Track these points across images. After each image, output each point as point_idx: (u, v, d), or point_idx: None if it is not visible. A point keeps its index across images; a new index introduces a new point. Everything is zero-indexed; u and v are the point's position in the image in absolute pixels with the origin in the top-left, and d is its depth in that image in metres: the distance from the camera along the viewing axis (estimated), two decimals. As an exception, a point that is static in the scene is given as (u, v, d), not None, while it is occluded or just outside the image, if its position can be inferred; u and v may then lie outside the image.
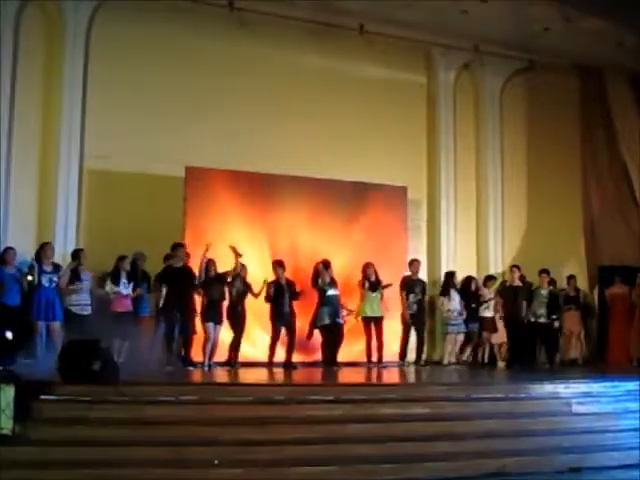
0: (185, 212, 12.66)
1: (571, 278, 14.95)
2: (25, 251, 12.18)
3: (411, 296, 13.34)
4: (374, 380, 11.43)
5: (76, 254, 11.87)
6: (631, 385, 10.07)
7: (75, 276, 11.64)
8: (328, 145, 14.25)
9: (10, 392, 7.48)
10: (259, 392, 9.00)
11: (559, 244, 15.69)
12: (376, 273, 13.16)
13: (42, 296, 11.34)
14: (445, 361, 13.67)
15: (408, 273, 13.75)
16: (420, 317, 13.52)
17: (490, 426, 8.88)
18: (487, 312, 13.86)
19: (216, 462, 7.37)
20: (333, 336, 12.60)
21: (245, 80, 14.00)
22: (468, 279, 14.14)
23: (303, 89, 14.43)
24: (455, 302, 13.69)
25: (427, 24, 14.72)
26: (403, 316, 13.38)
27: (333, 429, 8.31)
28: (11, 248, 11.49)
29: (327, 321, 12.53)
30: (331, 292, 12.65)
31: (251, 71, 14.03)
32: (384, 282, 13.18)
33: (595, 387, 10.27)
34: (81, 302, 11.61)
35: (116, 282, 11.75)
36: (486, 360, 13.97)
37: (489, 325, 13.85)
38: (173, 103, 13.51)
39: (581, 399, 9.68)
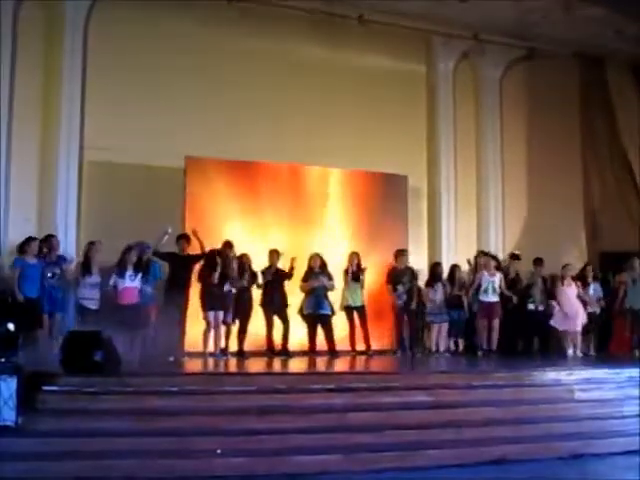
0: (185, 202, 12.67)
1: (587, 266, 14.87)
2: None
3: (399, 286, 13.28)
4: (375, 369, 11.43)
5: (89, 246, 11.75)
6: (633, 372, 10.09)
7: (86, 269, 11.58)
8: (328, 134, 14.21)
9: (13, 384, 7.49)
10: (261, 381, 9.04)
11: (560, 231, 15.69)
12: (359, 263, 13.12)
13: (47, 288, 11.30)
14: (433, 349, 13.54)
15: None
16: (410, 306, 13.43)
17: (492, 413, 8.89)
18: (488, 297, 13.32)
19: (219, 452, 7.39)
20: (322, 326, 12.69)
21: (245, 70, 13.98)
22: (452, 267, 14.05)
23: (302, 79, 14.41)
24: (439, 293, 13.46)
25: (426, 13, 14.68)
26: (393, 307, 13.36)
27: (335, 418, 8.32)
28: (33, 238, 11.41)
29: (308, 311, 12.65)
30: (316, 284, 12.66)
31: (250, 61, 14.01)
32: (365, 270, 13.16)
33: (597, 374, 10.31)
34: (92, 296, 11.48)
35: (122, 274, 11.41)
36: (493, 348, 13.32)
37: (491, 311, 13.34)
38: (172, 94, 13.47)
39: (583, 386, 9.71)
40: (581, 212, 16.45)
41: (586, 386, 9.72)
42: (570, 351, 13.00)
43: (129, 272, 11.41)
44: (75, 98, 13.05)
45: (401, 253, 13.52)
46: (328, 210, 13.83)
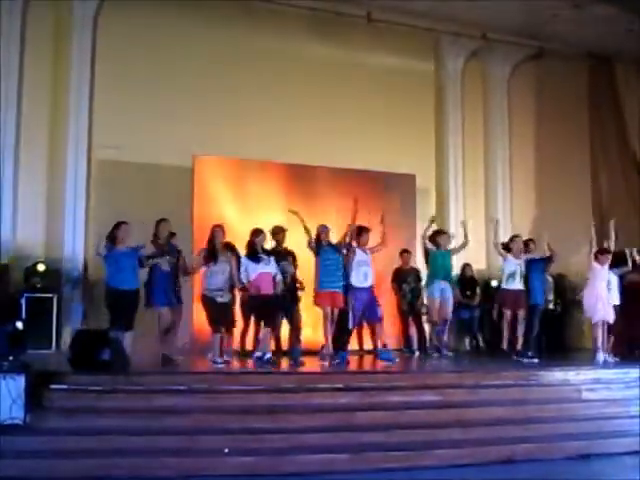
0: (192, 201, 12.68)
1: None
2: (34, 241, 12.27)
3: (404, 286, 13.19)
4: (383, 368, 11.41)
5: (214, 230, 10.53)
6: (640, 372, 10.09)
7: (211, 256, 10.32)
8: (336, 134, 14.20)
9: (21, 382, 7.52)
10: (269, 380, 9.04)
11: (568, 230, 15.61)
12: None
13: (160, 279, 10.20)
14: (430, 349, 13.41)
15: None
16: (416, 306, 13.37)
17: (500, 413, 8.89)
18: (514, 284, 11.92)
19: (226, 451, 7.39)
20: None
21: (252, 69, 13.99)
22: (463, 266, 13.98)
23: (310, 78, 14.41)
24: None
25: (435, 12, 14.68)
26: (399, 306, 13.27)
27: (342, 417, 8.33)
28: (125, 223, 9.95)
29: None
30: None
31: (257, 61, 14.02)
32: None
33: (605, 374, 10.29)
34: (217, 286, 10.27)
35: (256, 259, 10.30)
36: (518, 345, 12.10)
37: (519, 300, 11.92)
38: (180, 93, 13.48)
39: (591, 386, 9.70)
40: (590, 211, 16.39)
41: (594, 386, 9.72)
42: (600, 355, 11.41)
43: (263, 256, 10.41)
44: (83, 97, 13.09)
45: (405, 253, 13.48)
46: (336, 209, 13.78)
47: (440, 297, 11.84)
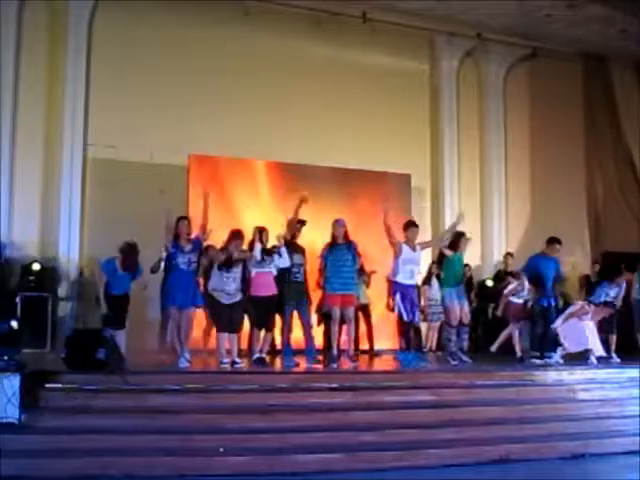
0: (188, 200, 12.68)
1: (595, 264, 14.83)
2: (29, 240, 12.25)
3: None
4: (378, 368, 11.42)
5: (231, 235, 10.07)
6: (635, 372, 10.11)
7: (226, 265, 9.86)
8: (331, 133, 14.26)
9: (16, 381, 7.50)
10: (263, 380, 9.03)
11: (563, 230, 15.60)
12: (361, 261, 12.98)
13: (177, 280, 9.85)
14: (426, 348, 13.39)
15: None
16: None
17: (494, 413, 8.89)
18: (517, 298, 11.92)
19: (221, 450, 7.39)
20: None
21: (249, 69, 14.02)
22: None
23: (306, 77, 14.44)
24: (435, 290, 13.03)
25: (430, 12, 14.71)
26: (388, 305, 13.17)
27: (337, 417, 8.32)
28: (132, 245, 10.11)
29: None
30: None
31: (255, 60, 14.05)
32: (368, 270, 12.68)
33: (599, 374, 10.31)
34: (227, 291, 9.80)
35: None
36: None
37: (515, 312, 11.98)
38: (176, 91, 13.52)
39: (585, 385, 9.72)
40: (584, 211, 16.44)
41: (588, 386, 9.73)
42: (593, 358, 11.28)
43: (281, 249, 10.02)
44: (79, 96, 13.09)
45: None
46: (331, 209, 13.77)
47: (458, 302, 11.37)
